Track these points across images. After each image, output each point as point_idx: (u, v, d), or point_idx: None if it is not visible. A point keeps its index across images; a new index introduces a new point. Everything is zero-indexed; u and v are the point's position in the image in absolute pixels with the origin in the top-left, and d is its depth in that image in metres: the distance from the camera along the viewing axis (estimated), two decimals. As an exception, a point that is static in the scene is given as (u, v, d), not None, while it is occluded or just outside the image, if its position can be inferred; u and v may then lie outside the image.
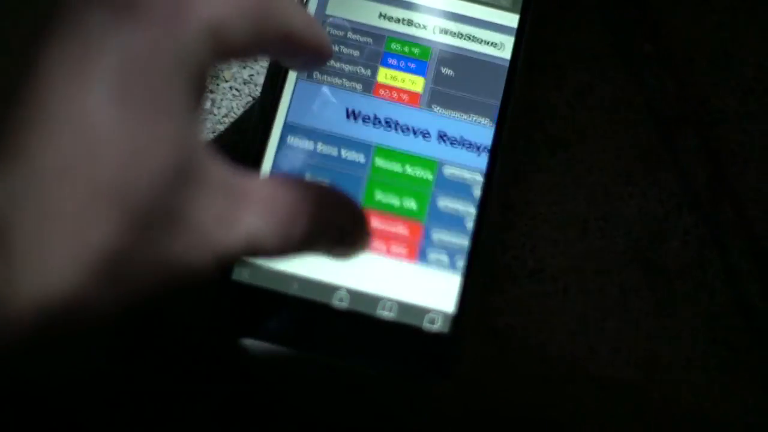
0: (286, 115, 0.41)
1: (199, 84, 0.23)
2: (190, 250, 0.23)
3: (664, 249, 0.37)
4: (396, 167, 0.41)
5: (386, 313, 0.37)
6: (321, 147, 0.40)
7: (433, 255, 0.40)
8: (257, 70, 0.41)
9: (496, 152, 0.39)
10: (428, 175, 0.41)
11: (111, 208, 0.21)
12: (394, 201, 0.40)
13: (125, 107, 0.21)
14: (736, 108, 0.38)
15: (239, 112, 0.39)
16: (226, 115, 0.39)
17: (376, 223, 0.40)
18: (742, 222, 0.37)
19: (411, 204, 0.40)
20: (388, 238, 0.40)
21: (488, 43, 0.42)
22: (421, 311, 0.37)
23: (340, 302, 0.37)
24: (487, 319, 0.37)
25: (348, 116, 0.41)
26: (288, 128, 0.41)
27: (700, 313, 0.36)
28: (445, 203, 0.40)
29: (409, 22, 0.42)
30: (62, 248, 0.20)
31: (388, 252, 0.39)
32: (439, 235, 0.40)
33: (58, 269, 0.20)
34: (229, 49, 0.24)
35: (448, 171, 0.41)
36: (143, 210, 0.21)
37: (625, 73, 0.38)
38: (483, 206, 0.39)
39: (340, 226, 0.28)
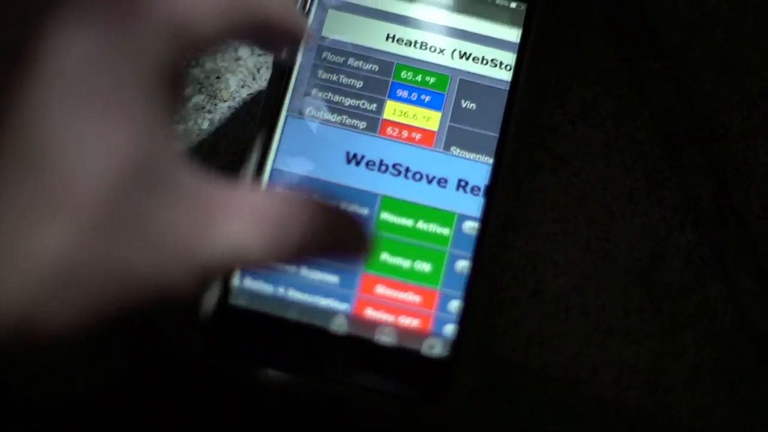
0: (274, 160, 0.34)
1: (168, 82, 0.22)
2: (161, 263, 0.22)
3: (667, 268, 0.36)
4: (406, 222, 0.34)
5: (385, 338, 0.33)
6: (315, 198, 0.34)
7: (449, 327, 0.33)
8: (256, 90, 0.38)
9: (495, 189, 0.34)
10: (445, 232, 0.34)
11: (62, 217, 0.20)
12: (404, 263, 0.34)
13: (78, 109, 0.20)
14: (740, 124, 0.38)
15: (237, 132, 0.37)
16: (223, 136, 0.37)
17: (381, 290, 0.33)
18: (745, 240, 0.37)
19: (424, 267, 0.33)
20: (396, 309, 0.33)
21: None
22: (421, 334, 0.33)
23: (338, 327, 0.33)
24: (487, 341, 0.36)
25: (348, 160, 0.34)
26: (276, 175, 0.34)
27: (703, 332, 0.36)
28: (465, 265, 0.34)
29: (423, 45, 0.36)
30: (11, 260, 0.19)
31: (396, 326, 0.33)
32: (457, 303, 0.33)
33: (9, 282, 0.19)
34: (199, 42, 0.23)
35: (469, 226, 0.34)
36: (97, 218, 0.20)
37: (629, 89, 0.38)
38: (482, 230, 0.34)
39: (339, 228, 0.26)
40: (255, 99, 0.37)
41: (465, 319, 0.33)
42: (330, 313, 0.33)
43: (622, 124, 0.38)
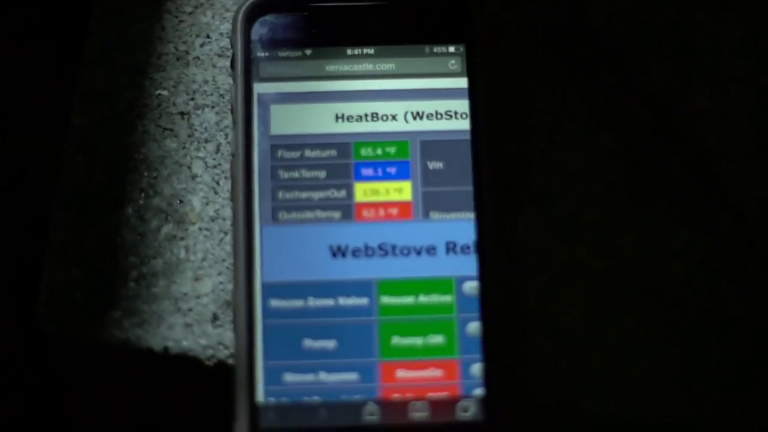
0: (261, 274, 0.34)
1: None
2: None
3: (672, 272, 0.36)
4: (407, 300, 0.34)
5: (419, 415, 0.33)
6: (312, 301, 0.34)
7: (478, 390, 0.33)
8: (221, 204, 0.37)
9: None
10: (447, 299, 0.34)
11: None
12: (417, 342, 0.33)
13: None
14: (706, 106, 0.38)
15: (216, 251, 0.36)
16: (204, 259, 0.36)
17: (402, 374, 0.33)
18: (741, 224, 0.37)
19: (437, 340, 0.33)
20: (422, 390, 0.33)
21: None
22: (452, 401, 0.33)
23: (370, 417, 0.33)
24: (518, 390, 0.36)
25: (334, 254, 0.34)
26: (268, 290, 0.34)
27: (724, 326, 0.36)
28: (476, 326, 0.34)
29: (375, 116, 0.35)
30: None
31: (427, 403, 0.33)
32: (479, 366, 0.33)
33: None
34: None
35: (469, 286, 0.34)
36: None
37: (589, 106, 0.38)
38: (484, 286, 0.34)
39: None
40: (222, 213, 0.36)
41: (491, 379, 0.33)
42: (359, 409, 0.33)
43: (591, 141, 0.37)
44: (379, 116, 0.35)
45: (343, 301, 0.34)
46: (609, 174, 0.37)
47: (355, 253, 0.34)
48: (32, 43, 0.47)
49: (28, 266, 0.44)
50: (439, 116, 0.35)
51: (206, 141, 0.36)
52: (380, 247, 0.34)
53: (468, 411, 0.33)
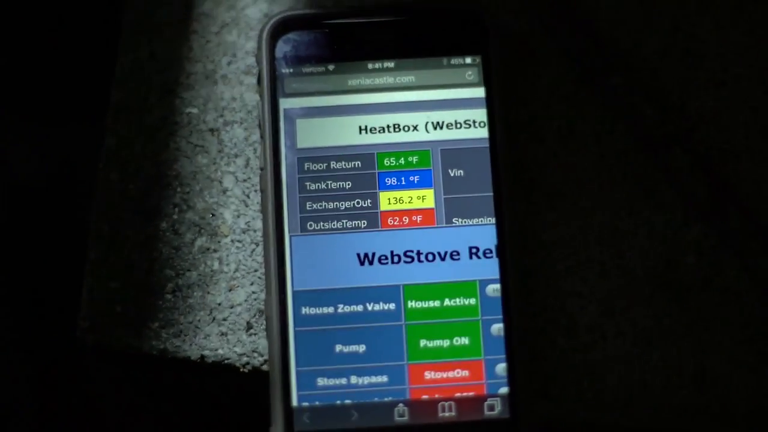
0: (292, 283, 0.35)
1: None
2: None
3: (683, 266, 0.38)
4: (433, 304, 0.35)
5: (447, 414, 0.35)
6: (342, 308, 0.35)
7: (503, 390, 0.34)
8: (251, 216, 0.38)
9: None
10: (471, 302, 0.35)
11: None
12: (443, 344, 0.35)
13: None
14: (713, 104, 0.39)
15: (248, 262, 0.38)
16: (237, 270, 0.38)
17: (429, 375, 0.34)
18: (748, 217, 0.38)
19: (462, 341, 0.35)
20: (449, 390, 0.34)
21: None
22: (479, 400, 0.35)
23: (401, 417, 0.35)
24: (540, 389, 0.37)
25: (361, 262, 0.35)
26: (299, 298, 0.35)
27: (733, 316, 0.37)
28: (500, 327, 0.35)
29: (396, 127, 0.36)
30: None
31: (454, 403, 0.34)
32: (504, 365, 0.34)
33: None
34: None
35: (492, 288, 0.35)
36: None
37: (598, 108, 0.39)
38: (505, 288, 0.35)
39: None
40: (253, 225, 0.37)
41: (515, 377, 0.35)
42: (390, 410, 0.34)
43: (602, 141, 0.38)
44: (401, 127, 0.36)
45: (371, 306, 0.35)
46: (620, 172, 0.38)
47: (382, 259, 0.35)
48: (32, 44, 0.48)
49: (28, 269, 0.45)
50: (458, 125, 0.36)
51: (236, 156, 0.38)
52: (406, 254, 0.35)
53: (494, 409, 0.35)
